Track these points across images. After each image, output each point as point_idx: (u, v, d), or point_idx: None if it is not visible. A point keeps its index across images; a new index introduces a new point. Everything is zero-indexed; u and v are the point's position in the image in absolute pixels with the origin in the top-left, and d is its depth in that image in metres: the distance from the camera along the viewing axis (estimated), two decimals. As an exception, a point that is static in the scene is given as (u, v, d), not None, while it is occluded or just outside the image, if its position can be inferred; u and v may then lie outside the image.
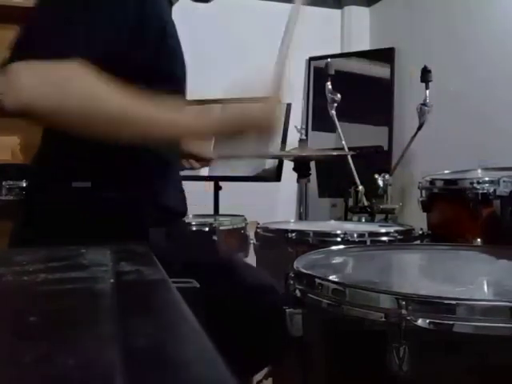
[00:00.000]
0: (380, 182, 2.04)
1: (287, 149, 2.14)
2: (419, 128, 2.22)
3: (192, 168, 1.41)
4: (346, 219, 2.33)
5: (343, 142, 2.33)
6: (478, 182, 1.35)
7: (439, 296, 0.66)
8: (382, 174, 2.07)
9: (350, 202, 2.15)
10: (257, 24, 2.85)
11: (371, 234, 1.37)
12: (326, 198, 2.95)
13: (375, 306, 0.68)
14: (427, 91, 2.16)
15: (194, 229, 1.61)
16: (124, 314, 0.37)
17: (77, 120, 0.82)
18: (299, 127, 2.09)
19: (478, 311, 0.63)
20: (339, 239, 1.35)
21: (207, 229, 1.62)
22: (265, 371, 1.42)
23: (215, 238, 1.53)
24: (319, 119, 2.95)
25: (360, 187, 2.07)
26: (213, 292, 0.85)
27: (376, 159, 2.75)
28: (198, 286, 0.60)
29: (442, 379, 0.67)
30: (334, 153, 2.17)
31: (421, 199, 1.53)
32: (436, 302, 0.65)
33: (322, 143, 2.76)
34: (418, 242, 1.42)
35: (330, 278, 0.80)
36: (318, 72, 2.96)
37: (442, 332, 0.64)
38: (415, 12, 2.80)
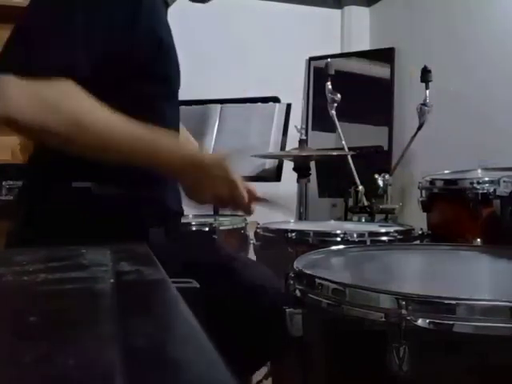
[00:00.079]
0: (380, 182, 2.04)
1: (287, 149, 2.14)
2: (419, 128, 2.22)
3: None
4: (346, 219, 2.33)
5: (343, 142, 2.33)
6: (478, 182, 1.35)
7: (439, 296, 0.66)
8: (382, 174, 2.07)
9: (350, 202, 2.15)
10: (257, 24, 2.85)
11: (371, 233, 1.37)
12: (325, 197, 2.95)
13: (375, 306, 0.68)
14: (427, 91, 2.16)
15: (194, 229, 1.61)
16: (124, 314, 0.37)
17: (62, 139, 0.84)
18: (299, 127, 2.09)
19: (478, 311, 0.63)
20: (339, 239, 1.35)
21: (207, 229, 1.62)
22: (265, 371, 1.42)
23: (215, 237, 1.53)
24: (319, 119, 2.95)
25: (360, 187, 2.07)
26: (213, 292, 0.85)
27: (376, 159, 2.75)
28: (198, 286, 0.60)
29: (442, 379, 0.67)
30: (334, 153, 2.17)
31: (421, 199, 1.53)
32: (436, 302, 0.65)
33: (322, 143, 2.76)
34: (418, 242, 1.42)
35: (330, 278, 0.80)
36: (318, 72, 2.96)
37: (442, 332, 0.64)
38: (415, 12, 2.80)
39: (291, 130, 2.15)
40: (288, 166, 2.16)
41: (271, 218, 1.74)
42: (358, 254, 1.07)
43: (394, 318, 0.65)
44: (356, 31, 3.15)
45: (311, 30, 3.00)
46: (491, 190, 1.30)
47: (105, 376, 0.26)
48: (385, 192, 2.04)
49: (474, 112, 2.35)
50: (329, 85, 2.30)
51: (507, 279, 0.86)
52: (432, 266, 1.06)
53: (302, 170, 2.10)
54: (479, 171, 1.57)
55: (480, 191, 1.34)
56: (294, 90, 2.88)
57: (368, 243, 1.33)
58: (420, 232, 1.45)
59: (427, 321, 0.64)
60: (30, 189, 1.01)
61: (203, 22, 2.75)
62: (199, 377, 0.26)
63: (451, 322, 0.63)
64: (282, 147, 2.15)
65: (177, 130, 1.10)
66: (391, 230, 1.40)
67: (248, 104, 2.28)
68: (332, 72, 2.31)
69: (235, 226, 1.74)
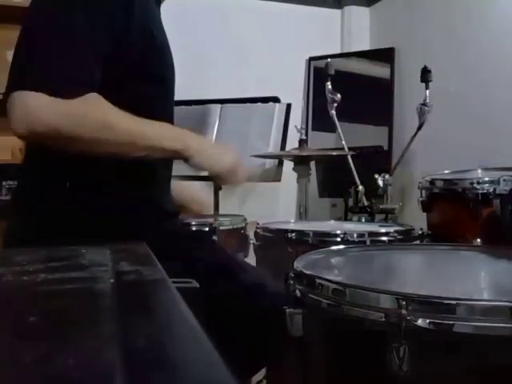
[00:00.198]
0: (380, 182, 2.04)
1: (287, 149, 2.14)
2: (419, 128, 2.22)
3: None
4: (346, 219, 2.33)
5: (343, 142, 2.33)
6: (478, 182, 1.35)
7: (439, 296, 0.66)
8: (382, 174, 2.06)
9: (350, 202, 2.15)
10: (257, 24, 2.85)
11: (371, 233, 1.37)
12: (326, 198, 2.95)
13: (375, 306, 0.68)
14: (427, 91, 2.16)
15: (194, 229, 1.61)
16: (124, 314, 0.37)
17: (93, 147, 0.88)
18: (299, 127, 2.09)
19: (478, 311, 0.63)
20: (339, 239, 1.35)
21: (207, 229, 1.62)
22: (264, 371, 1.42)
23: (215, 237, 1.52)
24: (319, 119, 2.94)
25: (360, 187, 2.07)
26: (213, 292, 0.85)
27: (376, 159, 2.75)
28: (198, 286, 0.60)
29: (442, 379, 0.67)
30: (334, 153, 2.17)
31: (421, 199, 1.53)
32: (436, 302, 0.65)
33: (322, 143, 2.76)
34: (418, 242, 1.42)
35: (330, 278, 0.80)
36: (318, 72, 2.95)
37: (442, 332, 0.64)
38: (415, 12, 2.80)
39: (291, 130, 2.15)
40: (288, 165, 2.16)
41: (271, 218, 1.74)
42: (358, 254, 1.07)
43: (394, 318, 0.65)
44: (356, 31, 3.15)
45: (311, 29, 3.00)
46: (491, 189, 1.30)
47: (105, 376, 0.26)
48: (385, 192, 2.04)
49: (474, 112, 2.35)
50: (329, 85, 2.29)
51: (507, 279, 0.86)
52: (432, 266, 1.06)
53: (302, 170, 2.10)
54: (479, 171, 1.57)
55: (480, 191, 1.34)
56: (293, 90, 2.88)
57: (368, 243, 1.33)
58: (420, 232, 1.45)
59: (427, 321, 0.64)
60: (27, 188, 1.01)
61: (203, 22, 2.75)
62: (199, 377, 0.26)
63: (451, 322, 0.63)
64: (282, 147, 2.15)
65: None
66: (391, 230, 1.40)
67: (248, 104, 2.28)
68: (332, 72, 2.31)
69: (235, 226, 1.73)
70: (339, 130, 2.36)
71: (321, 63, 2.68)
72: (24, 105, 0.82)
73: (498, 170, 1.48)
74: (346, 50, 3.11)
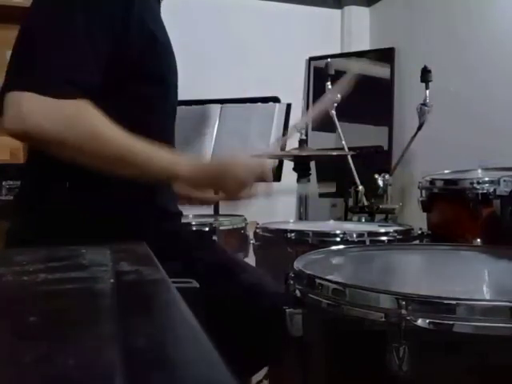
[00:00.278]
0: (380, 182, 2.04)
1: (287, 149, 2.14)
2: (419, 128, 2.22)
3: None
4: (345, 219, 2.33)
5: (343, 142, 2.33)
6: (478, 182, 1.35)
7: (439, 296, 0.66)
8: (382, 174, 2.06)
9: (350, 202, 2.15)
10: (257, 24, 2.85)
11: (370, 233, 1.37)
12: (325, 198, 2.95)
13: (375, 306, 0.68)
14: (427, 91, 2.16)
15: (194, 229, 1.61)
16: (124, 314, 0.37)
17: (81, 153, 0.86)
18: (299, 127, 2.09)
19: (478, 311, 0.63)
20: (339, 239, 1.35)
21: (207, 229, 1.62)
22: (264, 371, 1.42)
23: (215, 237, 1.53)
24: (319, 119, 2.94)
25: (360, 187, 2.07)
26: (213, 292, 0.85)
27: (376, 159, 2.75)
28: (198, 286, 0.60)
29: (442, 379, 0.67)
30: (334, 153, 2.17)
31: (421, 199, 1.53)
32: (436, 302, 0.65)
33: (322, 143, 2.76)
34: (418, 241, 1.42)
35: (330, 278, 0.80)
36: (318, 72, 2.95)
37: (442, 332, 0.64)
38: (415, 12, 2.80)
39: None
40: (288, 165, 2.16)
41: (271, 218, 1.74)
42: (358, 254, 1.07)
43: (394, 318, 0.65)
44: (356, 31, 3.15)
45: (311, 29, 3.00)
46: (491, 189, 1.30)
47: (105, 376, 0.26)
48: (385, 192, 2.04)
49: (474, 112, 2.35)
50: (329, 85, 2.30)
51: (507, 279, 0.86)
52: (432, 266, 1.06)
53: (301, 170, 2.10)
54: (479, 171, 1.57)
55: (480, 191, 1.34)
56: (294, 90, 2.88)
57: (367, 243, 1.33)
58: (420, 232, 1.45)
59: (427, 321, 0.64)
60: (27, 188, 1.01)
61: (203, 22, 2.75)
62: (199, 377, 0.26)
63: (451, 322, 0.63)
64: (282, 147, 2.15)
65: (173, 130, 1.10)
66: (391, 229, 1.40)
67: (248, 104, 2.28)
68: (332, 72, 2.31)
69: (235, 226, 1.74)
70: (339, 129, 2.36)
71: (321, 63, 2.68)
72: (17, 105, 0.82)
73: (498, 170, 1.49)
74: (346, 50, 3.11)
